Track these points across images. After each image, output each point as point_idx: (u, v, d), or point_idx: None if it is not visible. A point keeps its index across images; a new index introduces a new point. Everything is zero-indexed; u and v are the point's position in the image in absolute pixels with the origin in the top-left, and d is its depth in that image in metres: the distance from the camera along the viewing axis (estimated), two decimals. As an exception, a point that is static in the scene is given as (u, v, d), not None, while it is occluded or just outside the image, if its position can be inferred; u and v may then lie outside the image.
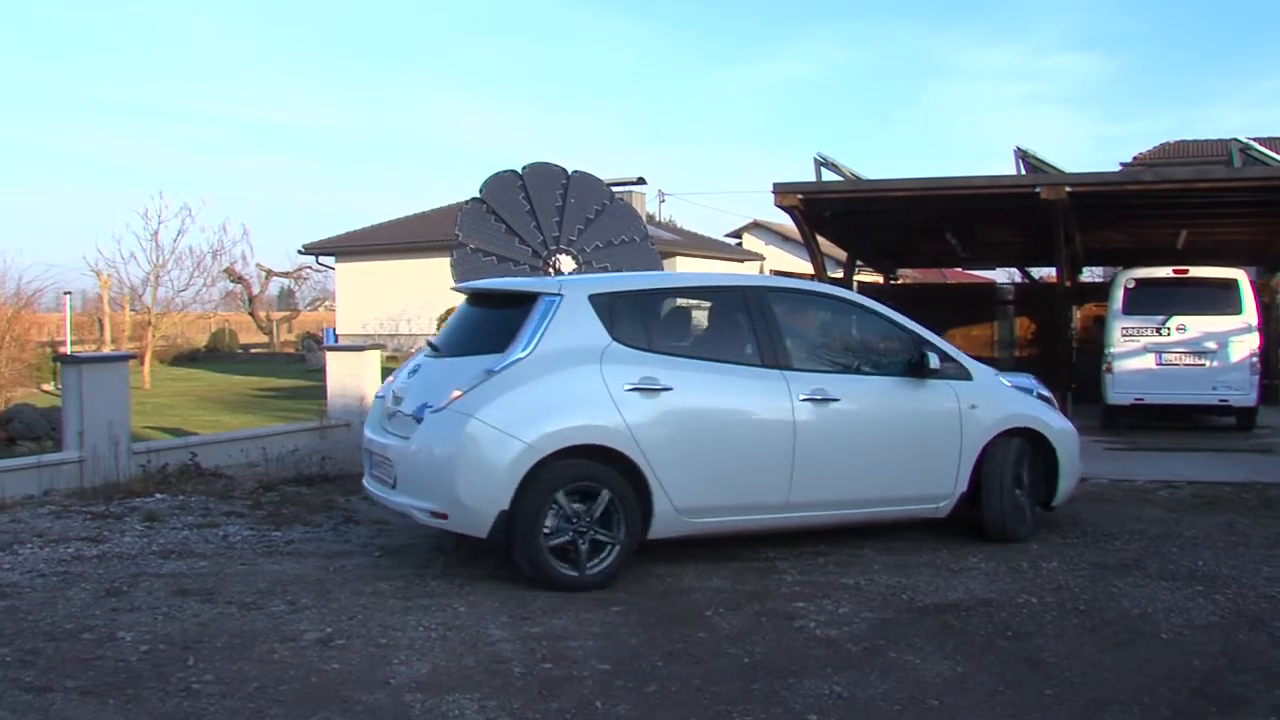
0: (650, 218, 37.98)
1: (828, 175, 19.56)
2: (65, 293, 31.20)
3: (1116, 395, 16.52)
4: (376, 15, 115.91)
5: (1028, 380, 9.42)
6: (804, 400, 8.05)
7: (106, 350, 31.03)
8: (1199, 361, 16.08)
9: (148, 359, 31.95)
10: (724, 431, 7.89)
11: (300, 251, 44.91)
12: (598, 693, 5.48)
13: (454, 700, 5.35)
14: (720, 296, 8.76)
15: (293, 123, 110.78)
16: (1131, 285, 16.74)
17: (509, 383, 7.43)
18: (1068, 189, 17.13)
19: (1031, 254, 24.13)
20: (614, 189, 15.01)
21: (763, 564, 7.94)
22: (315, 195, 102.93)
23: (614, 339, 7.71)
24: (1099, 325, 18.70)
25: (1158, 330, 16.31)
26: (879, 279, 26.23)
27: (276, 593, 7.16)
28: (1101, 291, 20.75)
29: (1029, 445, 8.93)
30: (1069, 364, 19.41)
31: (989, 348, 24.17)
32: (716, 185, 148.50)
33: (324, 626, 6.47)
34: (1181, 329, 16.19)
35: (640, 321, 8.02)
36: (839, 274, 22.81)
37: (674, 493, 7.59)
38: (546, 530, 7.26)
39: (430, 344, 8.64)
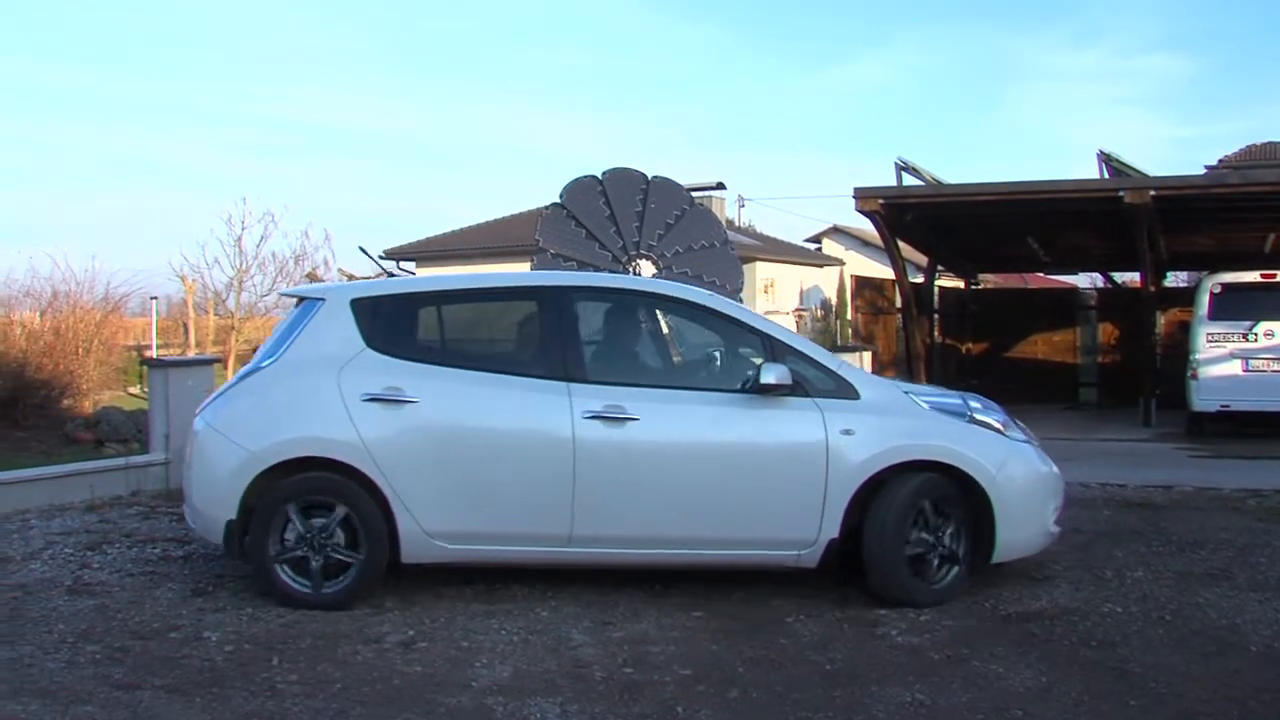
0: (730, 223, 37.82)
1: (909, 180, 19.56)
2: (151, 297, 31.50)
3: (1202, 402, 16.29)
4: (451, 21, 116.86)
5: (960, 400, 7.61)
6: (590, 418, 6.99)
7: (191, 354, 31.47)
8: None
9: (231, 362, 32.31)
10: (478, 449, 7.08)
11: (382, 256, 45.24)
12: (679, 697, 5.48)
13: (536, 704, 5.38)
14: (512, 299, 8.12)
15: (374, 128, 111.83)
16: (1217, 290, 16.51)
17: (248, 389, 7.41)
18: (1152, 193, 16.98)
19: (1114, 258, 23.87)
20: (694, 194, 15.04)
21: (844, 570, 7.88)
22: (396, 200, 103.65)
23: (370, 346, 7.23)
24: (1183, 331, 18.45)
25: (1244, 336, 16.07)
26: (960, 284, 26.06)
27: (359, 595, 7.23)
28: (1186, 296, 20.48)
29: (950, 483, 7.18)
30: (1153, 370, 19.17)
31: (1071, 353, 24.03)
32: (796, 190, 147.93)
33: (406, 629, 6.54)
34: (1269, 334, 15.95)
35: (406, 328, 7.54)
36: (920, 278, 22.75)
37: (421, 514, 6.97)
38: (285, 542, 6.97)
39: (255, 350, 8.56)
